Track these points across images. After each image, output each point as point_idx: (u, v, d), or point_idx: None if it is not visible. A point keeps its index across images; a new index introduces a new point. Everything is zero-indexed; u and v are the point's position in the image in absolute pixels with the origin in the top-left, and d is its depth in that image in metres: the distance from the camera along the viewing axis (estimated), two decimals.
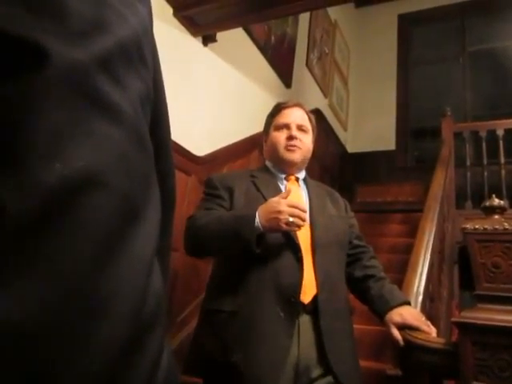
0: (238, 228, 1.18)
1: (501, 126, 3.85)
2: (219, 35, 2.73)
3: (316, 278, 1.24)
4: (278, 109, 1.49)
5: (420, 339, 1.17)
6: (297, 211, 1.16)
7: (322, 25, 4.60)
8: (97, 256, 0.22)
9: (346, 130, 5.27)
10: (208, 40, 2.68)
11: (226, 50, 2.87)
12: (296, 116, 1.45)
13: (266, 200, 1.30)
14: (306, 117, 1.48)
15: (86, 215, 0.22)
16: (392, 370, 1.99)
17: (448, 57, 5.35)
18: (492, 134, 3.85)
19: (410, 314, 1.27)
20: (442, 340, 1.18)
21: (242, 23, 2.79)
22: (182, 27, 2.49)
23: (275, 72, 3.57)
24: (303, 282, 1.21)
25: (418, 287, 1.64)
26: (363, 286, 1.38)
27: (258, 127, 3.24)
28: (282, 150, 1.41)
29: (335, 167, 4.75)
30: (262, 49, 3.34)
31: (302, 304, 1.20)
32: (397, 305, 1.29)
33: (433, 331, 1.23)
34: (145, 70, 0.30)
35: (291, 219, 1.15)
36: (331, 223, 1.37)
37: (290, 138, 1.40)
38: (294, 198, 1.37)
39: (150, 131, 0.30)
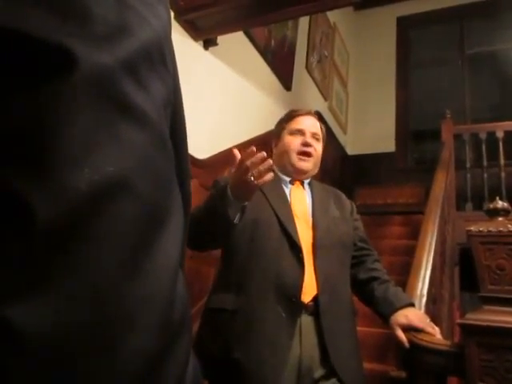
0: (213, 204, 1.19)
1: (500, 128, 3.86)
2: (220, 39, 2.74)
3: (316, 279, 1.25)
4: (291, 115, 1.50)
5: (425, 341, 1.18)
6: (251, 164, 1.10)
7: (321, 28, 4.61)
8: (125, 265, 0.22)
9: (345, 132, 5.28)
10: (209, 44, 2.69)
11: (227, 53, 2.88)
12: (311, 124, 1.46)
13: (270, 204, 1.32)
14: (318, 125, 1.49)
15: (115, 223, 0.22)
16: (395, 372, 1.99)
17: (447, 59, 5.37)
18: (492, 136, 3.86)
19: (415, 315, 1.28)
20: (447, 341, 1.18)
21: (243, 27, 2.79)
22: (183, 31, 2.50)
23: (275, 75, 3.59)
24: (304, 283, 1.22)
25: (422, 289, 1.64)
26: (367, 288, 1.38)
27: (259, 130, 3.26)
28: (294, 157, 1.41)
29: (335, 170, 4.76)
30: (263, 52, 3.35)
31: (303, 304, 1.21)
32: (401, 306, 1.30)
33: (437, 332, 1.24)
34: (166, 72, 0.30)
35: (252, 178, 1.10)
36: (334, 225, 1.37)
37: (306, 144, 1.41)
38: (298, 203, 1.39)
39: (170, 134, 0.30)
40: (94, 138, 0.22)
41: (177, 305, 0.26)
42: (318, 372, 1.19)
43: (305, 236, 1.30)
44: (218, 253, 2.58)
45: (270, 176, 1.12)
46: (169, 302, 0.25)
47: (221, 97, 2.84)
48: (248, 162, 1.10)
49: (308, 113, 1.50)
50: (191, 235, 1.26)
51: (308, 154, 1.41)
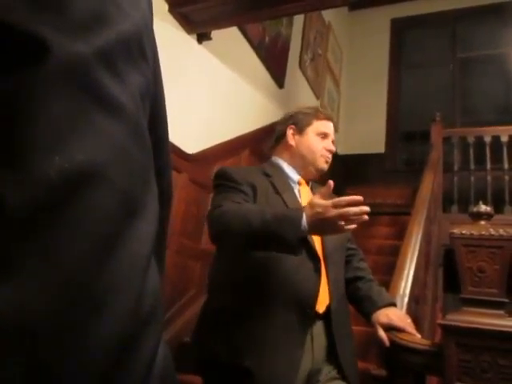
0: (282, 229, 1.06)
1: (488, 133, 3.91)
2: (214, 33, 2.73)
3: (329, 287, 1.24)
4: (319, 115, 1.46)
5: (406, 340, 1.19)
6: (345, 212, 1.03)
7: (315, 26, 4.62)
8: (96, 252, 0.22)
9: (336, 131, 5.30)
10: (203, 38, 2.68)
11: (221, 48, 2.87)
12: (333, 131, 1.48)
13: (284, 203, 1.27)
14: None
15: (86, 210, 0.22)
16: (376, 370, 2.01)
17: (439, 62, 5.41)
18: (480, 140, 3.91)
19: (395, 315, 1.30)
20: (427, 341, 1.20)
21: (238, 22, 2.79)
22: (177, 24, 2.49)
23: (268, 72, 3.58)
24: (319, 293, 1.21)
25: (404, 289, 1.66)
26: (352, 286, 1.40)
27: (250, 126, 3.26)
28: (318, 157, 1.41)
29: None
30: (256, 48, 3.34)
31: (317, 313, 1.20)
32: (383, 306, 1.32)
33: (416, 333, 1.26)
34: (145, 64, 0.30)
35: (343, 223, 1.05)
36: None
37: (330, 151, 1.42)
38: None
39: (149, 126, 0.30)
40: (66, 126, 0.23)
41: (147, 294, 0.26)
42: (324, 372, 1.20)
43: (316, 242, 1.27)
44: (204, 247, 2.59)
45: (354, 226, 1.08)
46: (139, 291, 0.25)
47: (213, 91, 2.84)
48: (351, 211, 1.03)
49: (332, 119, 1.50)
50: (229, 234, 1.15)
51: (329, 158, 1.44)
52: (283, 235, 1.06)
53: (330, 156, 1.44)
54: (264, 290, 1.18)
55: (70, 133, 0.23)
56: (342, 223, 1.04)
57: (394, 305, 1.36)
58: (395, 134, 5.28)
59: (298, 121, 1.45)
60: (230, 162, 2.91)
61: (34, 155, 0.21)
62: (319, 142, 1.41)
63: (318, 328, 1.22)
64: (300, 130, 1.43)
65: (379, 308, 1.31)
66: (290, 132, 1.44)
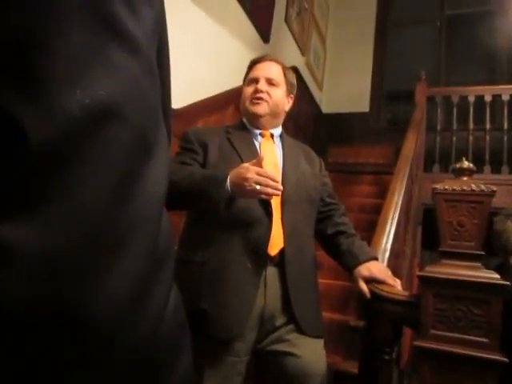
0: (208, 188, 1.19)
1: (472, 93, 3.92)
2: None
3: (283, 232, 1.28)
4: (250, 65, 1.50)
5: (386, 291, 1.24)
6: (264, 180, 1.13)
7: None
8: (117, 189, 0.23)
9: (321, 89, 5.24)
10: None
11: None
12: (266, 69, 1.44)
13: (239, 157, 1.32)
14: (277, 70, 1.46)
15: (107, 146, 0.22)
16: (354, 322, 2.10)
17: (426, 20, 5.32)
18: (463, 99, 3.92)
19: (377, 268, 1.33)
20: (406, 292, 1.25)
21: None
22: None
23: (253, 26, 3.48)
24: (271, 236, 1.25)
25: (386, 244, 1.71)
26: (334, 242, 1.42)
27: (234, 82, 3.19)
28: (247, 103, 1.43)
29: (309, 127, 4.75)
30: (241, 0, 3.22)
31: (269, 256, 1.25)
32: (365, 260, 1.35)
33: (398, 284, 1.30)
34: None
35: (258, 187, 1.13)
36: (303, 180, 1.39)
37: (256, 91, 1.41)
38: (267, 155, 1.35)
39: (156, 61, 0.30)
40: (87, 59, 0.22)
41: (162, 234, 0.27)
42: (280, 320, 1.25)
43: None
44: None
45: (269, 193, 1.16)
46: (156, 228, 0.26)
47: (197, 45, 2.75)
48: (268, 182, 1.14)
49: (267, 59, 1.47)
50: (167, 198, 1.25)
51: (258, 99, 1.41)
52: (210, 194, 1.17)
53: (262, 95, 1.40)
54: (219, 236, 1.24)
55: (90, 66, 0.22)
56: (258, 187, 1.13)
57: (375, 259, 1.40)
58: (380, 92, 5.26)
59: (243, 83, 1.52)
60: (214, 118, 2.86)
61: (56, 88, 0.21)
62: (249, 89, 1.44)
63: (273, 274, 1.26)
64: (242, 89, 1.49)
65: (361, 263, 1.34)
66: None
